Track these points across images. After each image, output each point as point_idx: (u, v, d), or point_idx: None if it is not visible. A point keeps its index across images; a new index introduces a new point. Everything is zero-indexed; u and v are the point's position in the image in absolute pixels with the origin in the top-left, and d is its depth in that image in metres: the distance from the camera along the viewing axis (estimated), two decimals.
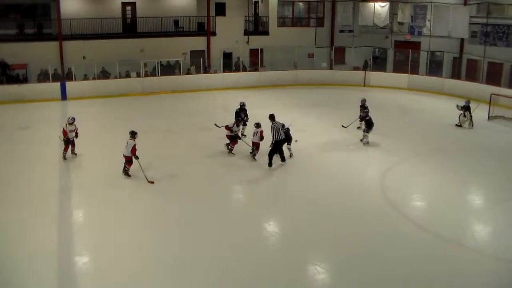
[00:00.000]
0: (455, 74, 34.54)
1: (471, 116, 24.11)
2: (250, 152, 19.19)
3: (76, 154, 19.17)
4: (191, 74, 33.94)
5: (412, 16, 35.63)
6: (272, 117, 18.07)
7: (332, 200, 15.32)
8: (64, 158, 18.84)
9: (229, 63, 35.85)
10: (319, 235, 13.17)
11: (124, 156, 16.78)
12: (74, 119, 19.07)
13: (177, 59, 33.66)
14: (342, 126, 23.43)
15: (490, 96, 25.69)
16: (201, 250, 12.26)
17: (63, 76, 31.13)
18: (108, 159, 18.77)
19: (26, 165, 18.42)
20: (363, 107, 22.44)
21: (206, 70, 34.53)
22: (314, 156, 19.62)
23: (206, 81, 33.20)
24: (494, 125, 24.87)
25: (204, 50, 35.89)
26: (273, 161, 17.93)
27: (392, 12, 36.18)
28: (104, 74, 31.79)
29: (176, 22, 36.14)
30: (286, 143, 18.79)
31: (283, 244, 12.93)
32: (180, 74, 33.32)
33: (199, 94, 31.40)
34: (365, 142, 21.03)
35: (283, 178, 17.69)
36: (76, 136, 18.98)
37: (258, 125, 18.69)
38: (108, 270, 11.49)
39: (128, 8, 35.77)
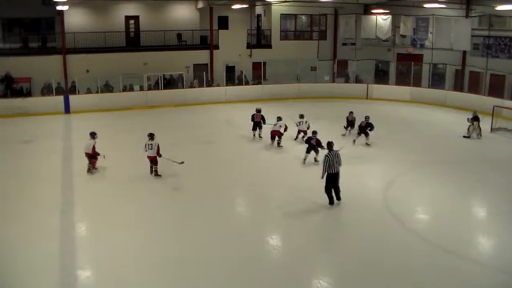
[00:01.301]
0: (458, 87, 34.57)
1: (479, 127, 24.29)
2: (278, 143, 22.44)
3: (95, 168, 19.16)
4: (194, 87, 34.06)
5: (414, 29, 35.80)
6: (329, 145, 15.66)
7: (335, 212, 15.30)
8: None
9: (232, 77, 35.96)
10: (321, 248, 13.15)
11: (149, 157, 18.18)
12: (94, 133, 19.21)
13: (180, 72, 33.80)
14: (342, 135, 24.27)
15: (493, 108, 25.71)
16: (205, 264, 12.20)
17: (67, 90, 31.27)
18: (112, 173, 18.85)
19: (29, 178, 18.45)
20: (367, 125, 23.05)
21: (209, 84, 34.63)
22: (314, 170, 19.54)
23: (209, 95, 33.30)
24: (497, 137, 24.86)
25: (207, 64, 36.05)
26: (333, 196, 15.57)
27: (394, 25, 36.30)
28: (108, 88, 31.92)
29: (179, 36, 36.36)
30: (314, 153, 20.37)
31: (286, 257, 12.85)
32: (183, 88, 33.48)
33: (202, 108, 31.50)
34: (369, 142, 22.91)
35: (286, 191, 17.61)
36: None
37: (279, 119, 22.51)
38: (110, 284, 11.47)
39: (132, 21, 36.04)
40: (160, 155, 18.13)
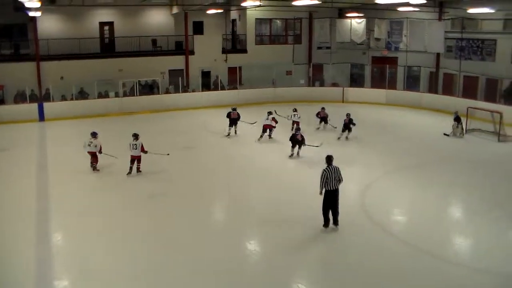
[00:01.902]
0: (432, 89, 34.95)
1: (462, 126, 25.16)
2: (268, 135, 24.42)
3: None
4: (170, 93, 33.90)
5: (388, 32, 36.11)
6: (329, 159, 14.08)
7: (312, 217, 15.18)
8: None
9: (207, 82, 35.86)
10: (300, 252, 13.10)
11: (133, 156, 18.98)
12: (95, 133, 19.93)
13: (155, 78, 33.62)
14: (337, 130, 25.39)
15: (467, 110, 25.95)
16: (182, 271, 12.11)
17: (41, 97, 30.95)
18: (89, 180, 18.68)
19: (3, 186, 18.18)
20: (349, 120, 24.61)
21: (185, 89, 34.50)
22: (292, 173, 19.63)
23: (185, 100, 33.18)
24: (471, 138, 25.13)
25: (183, 69, 35.90)
26: (330, 218, 14.20)
27: (369, 28, 36.57)
28: (82, 95, 31.62)
29: (154, 42, 36.17)
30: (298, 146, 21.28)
31: (264, 262, 12.80)
32: (159, 94, 33.28)
33: (178, 113, 31.39)
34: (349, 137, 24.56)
35: (262, 195, 17.55)
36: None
37: (270, 113, 24.60)
38: None
39: (106, 28, 35.81)
40: (146, 152, 19.08)
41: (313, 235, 14.04)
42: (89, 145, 19.53)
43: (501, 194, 17.30)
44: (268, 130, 24.57)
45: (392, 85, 35.56)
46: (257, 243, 13.90)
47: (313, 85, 37.60)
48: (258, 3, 28.54)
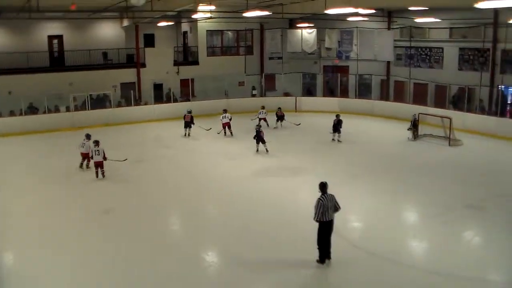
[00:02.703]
0: (384, 96, 35.51)
1: (415, 129, 26.09)
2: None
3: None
4: (122, 106, 33.46)
5: (339, 41, 36.56)
6: (323, 187, 12.81)
7: (267, 227, 15.18)
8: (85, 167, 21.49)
9: (160, 94, 35.58)
10: (257, 263, 13.01)
11: (96, 162, 20.16)
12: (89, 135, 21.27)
13: (107, 92, 33.14)
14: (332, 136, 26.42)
15: (418, 116, 26.38)
16: (142, 283, 11.94)
17: None
18: (42, 197, 18.28)
19: None
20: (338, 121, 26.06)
21: (137, 102, 34.15)
22: (248, 184, 19.55)
23: (137, 113, 32.76)
24: (423, 143, 25.59)
25: (135, 82, 35.51)
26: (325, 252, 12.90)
27: (320, 38, 36.97)
28: (32, 110, 30.92)
29: (105, 55, 35.80)
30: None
31: (223, 275, 12.70)
32: (111, 107, 32.82)
33: (131, 127, 30.98)
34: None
35: (217, 206, 17.52)
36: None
37: (225, 111, 27.43)
38: None
39: (55, 41, 35.33)
40: (105, 159, 20.13)
41: (270, 245, 14.00)
42: (83, 146, 21.05)
43: (453, 197, 17.60)
44: (227, 127, 27.48)
45: (344, 94, 35.96)
46: (214, 254, 13.79)
47: (265, 95, 37.68)
48: (209, 15, 28.61)
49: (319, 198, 12.57)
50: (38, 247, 14.17)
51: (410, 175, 20.46)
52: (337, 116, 26.26)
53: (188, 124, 27.66)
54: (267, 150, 23.69)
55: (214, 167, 21.92)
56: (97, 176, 20.29)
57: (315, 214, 12.50)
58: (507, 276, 12.31)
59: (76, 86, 32.37)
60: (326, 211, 12.46)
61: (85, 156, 21.20)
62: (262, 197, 17.88)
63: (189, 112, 27.79)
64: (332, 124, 26.30)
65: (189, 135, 27.74)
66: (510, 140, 25.54)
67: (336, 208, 12.74)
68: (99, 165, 20.19)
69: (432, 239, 14.48)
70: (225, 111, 28.01)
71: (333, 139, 26.16)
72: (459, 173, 20.70)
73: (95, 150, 20.05)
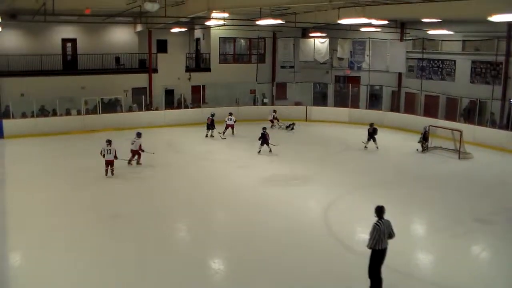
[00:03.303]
0: (394, 107, 35.43)
1: (424, 141, 26.05)
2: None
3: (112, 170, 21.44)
4: (133, 111, 33.58)
5: (351, 52, 36.58)
6: (380, 211, 11.71)
7: (275, 237, 15.12)
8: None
9: (171, 100, 35.68)
10: (264, 273, 12.95)
11: (107, 161, 20.93)
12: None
13: (118, 96, 33.28)
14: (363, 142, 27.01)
15: (428, 128, 26.30)
16: None
17: (0, 114, 30.32)
18: (50, 200, 18.31)
19: None
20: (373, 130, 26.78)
21: (148, 107, 34.26)
22: (256, 192, 19.50)
23: (148, 118, 32.85)
24: (433, 155, 25.48)
25: (146, 87, 35.64)
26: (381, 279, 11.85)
27: (332, 48, 36.93)
28: (44, 112, 31.12)
29: (117, 59, 35.95)
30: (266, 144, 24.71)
31: (229, 282, 12.70)
32: (122, 112, 32.94)
33: (142, 132, 30.96)
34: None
35: (225, 213, 17.54)
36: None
37: (230, 114, 28.84)
38: None
39: (69, 45, 35.53)
40: (116, 158, 20.99)
41: (277, 255, 13.99)
42: (109, 153, 21.07)
43: (462, 210, 17.52)
44: (230, 128, 29.58)
45: (355, 104, 35.93)
46: (221, 261, 13.78)
47: (274, 104, 37.69)
48: (222, 22, 28.72)
49: (375, 224, 11.54)
50: (45, 248, 14.19)
51: (419, 187, 20.39)
52: (371, 125, 26.98)
53: (208, 127, 29.23)
54: (270, 150, 25.17)
55: (223, 174, 21.93)
56: (106, 174, 20.97)
57: (370, 240, 11.53)
58: None
59: (88, 90, 32.60)
60: (382, 238, 11.47)
61: (135, 153, 22.67)
62: (270, 205, 17.85)
63: (212, 115, 29.50)
64: (367, 133, 27.04)
65: (212, 136, 29.40)
66: None
67: (391, 235, 11.70)
68: (109, 163, 20.96)
69: (441, 252, 14.40)
70: (230, 114, 29.94)
71: (365, 147, 26.71)
72: (468, 187, 20.62)
73: (106, 149, 20.76)
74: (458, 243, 14.91)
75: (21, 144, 26.93)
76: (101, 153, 21.01)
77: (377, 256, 11.57)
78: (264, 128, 25.57)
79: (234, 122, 29.62)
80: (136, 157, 22.72)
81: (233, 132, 29.73)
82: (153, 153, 23.18)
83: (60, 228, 15.72)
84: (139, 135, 22.77)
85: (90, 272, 12.77)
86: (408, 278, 12.66)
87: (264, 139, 25.11)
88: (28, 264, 13.48)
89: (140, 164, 22.74)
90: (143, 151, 22.47)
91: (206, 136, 29.47)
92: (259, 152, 25.10)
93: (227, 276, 13.01)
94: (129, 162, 22.72)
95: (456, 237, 15.26)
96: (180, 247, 14.88)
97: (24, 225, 15.96)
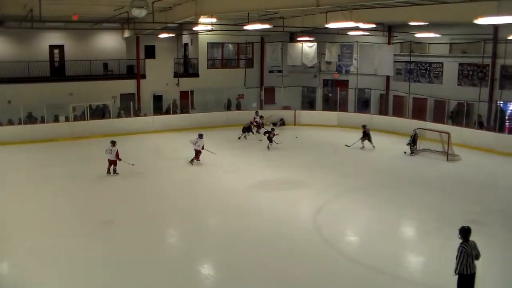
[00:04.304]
0: (383, 110, 35.55)
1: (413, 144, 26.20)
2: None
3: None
4: (122, 117, 33.44)
5: (339, 56, 36.65)
6: (464, 233, 10.86)
7: (266, 241, 15.12)
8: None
9: (159, 106, 35.57)
10: (255, 278, 12.96)
11: (109, 160, 21.92)
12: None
13: (106, 102, 33.12)
14: (346, 145, 27.64)
15: (417, 130, 26.39)
16: None
17: None
18: (39, 207, 18.21)
19: None
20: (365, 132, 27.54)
21: (137, 113, 34.13)
22: (246, 197, 19.50)
23: (136, 125, 32.72)
24: (421, 158, 25.59)
25: (134, 93, 35.53)
26: None
27: (320, 52, 37.02)
28: (31, 119, 30.91)
29: (105, 65, 35.83)
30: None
31: (217, 286, 12.69)
32: (110, 118, 32.80)
33: (130, 138, 30.90)
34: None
35: (215, 219, 17.54)
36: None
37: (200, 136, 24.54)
38: None
39: (56, 51, 35.36)
40: (119, 159, 21.86)
41: (267, 258, 13.98)
42: (110, 152, 21.94)
43: (451, 212, 17.58)
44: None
45: (344, 108, 36.02)
46: (210, 267, 13.78)
47: (263, 108, 37.68)
48: (210, 27, 28.71)
49: (461, 246, 10.68)
50: (33, 256, 14.10)
51: (408, 190, 20.48)
52: (364, 126, 27.82)
53: (244, 130, 30.02)
54: (268, 148, 26.97)
55: (213, 180, 21.89)
56: (108, 172, 22.13)
57: (457, 265, 10.64)
58: None
59: (76, 96, 32.40)
60: (470, 262, 10.57)
61: (112, 162, 22.29)
62: (260, 210, 17.86)
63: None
64: (362, 134, 27.79)
65: (245, 137, 30.13)
66: (508, 156, 25.60)
67: (477, 255, 10.76)
68: (111, 163, 22.01)
69: (431, 254, 14.46)
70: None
71: (362, 147, 27.56)
72: (457, 188, 20.73)
73: (109, 149, 21.87)
74: (448, 244, 14.89)
75: (8, 152, 26.75)
76: (106, 152, 21.99)
77: (466, 281, 10.66)
78: (272, 129, 27.61)
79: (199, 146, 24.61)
80: (112, 166, 22.25)
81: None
82: (133, 164, 22.64)
83: (47, 236, 15.63)
84: (113, 143, 22.26)
85: (77, 280, 12.72)
86: (398, 279, 12.68)
87: (268, 138, 26.94)
88: (15, 274, 13.39)
89: (117, 173, 22.25)
90: (120, 159, 22.04)
91: (239, 138, 30.04)
92: (268, 148, 26.99)
93: (217, 281, 12.95)
94: (108, 171, 22.29)
95: (446, 239, 15.26)
96: (170, 253, 14.87)
97: (12, 233, 15.85)
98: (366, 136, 27.54)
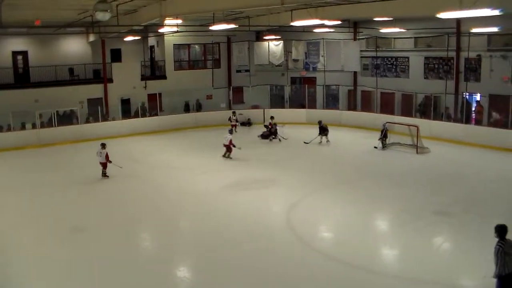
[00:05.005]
0: (351, 106, 35.79)
1: (384, 138, 26.39)
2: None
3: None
4: (90, 122, 33.05)
5: (306, 53, 36.88)
6: (502, 231, 10.06)
7: (241, 242, 15.10)
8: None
9: (128, 109, 35.24)
10: (231, 278, 12.94)
11: (100, 163, 22.06)
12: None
13: (74, 108, 32.71)
14: (304, 142, 27.94)
15: (386, 124, 26.63)
16: None
17: None
18: (8, 217, 17.91)
19: None
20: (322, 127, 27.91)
21: (105, 118, 33.76)
22: (221, 198, 19.41)
23: (105, 129, 32.28)
24: (391, 152, 25.84)
25: (102, 98, 35.14)
26: None
27: (286, 50, 37.16)
28: None
29: (71, 70, 35.36)
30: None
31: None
32: (78, 123, 32.42)
33: (99, 143, 30.56)
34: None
35: (190, 221, 17.45)
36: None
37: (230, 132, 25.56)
38: None
39: (19, 57, 34.80)
40: (110, 161, 22.00)
41: (242, 259, 13.97)
42: (99, 155, 22.10)
43: (421, 204, 17.77)
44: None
45: (312, 105, 36.16)
46: (186, 269, 13.72)
47: (232, 108, 37.64)
48: (175, 29, 28.54)
49: (498, 246, 9.91)
50: (8, 267, 13.82)
51: (380, 184, 20.62)
52: (320, 122, 28.21)
53: (271, 135, 29.82)
54: (280, 139, 29.00)
55: (186, 181, 21.76)
56: (102, 175, 22.35)
57: (497, 267, 9.88)
58: (475, 281, 12.40)
59: (42, 102, 31.75)
60: (507, 261, 9.79)
61: (103, 165, 22.31)
62: (234, 210, 17.82)
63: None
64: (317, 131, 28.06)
65: (284, 138, 29.73)
66: (476, 147, 25.96)
67: None
68: (101, 165, 22.13)
69: (403, 246, 14.62)
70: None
71: (320, 142, 28.01)
72: (427, 180, 20.96)
73: (99, 152, 22.08)
74: (420, 236, 15.11)
75: None
76: (96, 154, 22.18)
77: (506, 282, 9.86)
78: (275, 124, 29.06)
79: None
80: (102, 169, 22.26)
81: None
82: (121, 167, 22.51)
83: (19, 245, 15.38)
84: (103, 145, 22.32)
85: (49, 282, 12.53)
86: (372, 273, 12.74)
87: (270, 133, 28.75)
88: None
89: (107, 176, 22.31)
90: (110, 162, 22.06)
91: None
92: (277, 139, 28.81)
93: (193, 283, 12.91)
94: (103, 175, 22.39)
95: (417, 230, 15.48)
96: (145, 257, 14.72)
97: None
98: (323, 131, 27.90)
